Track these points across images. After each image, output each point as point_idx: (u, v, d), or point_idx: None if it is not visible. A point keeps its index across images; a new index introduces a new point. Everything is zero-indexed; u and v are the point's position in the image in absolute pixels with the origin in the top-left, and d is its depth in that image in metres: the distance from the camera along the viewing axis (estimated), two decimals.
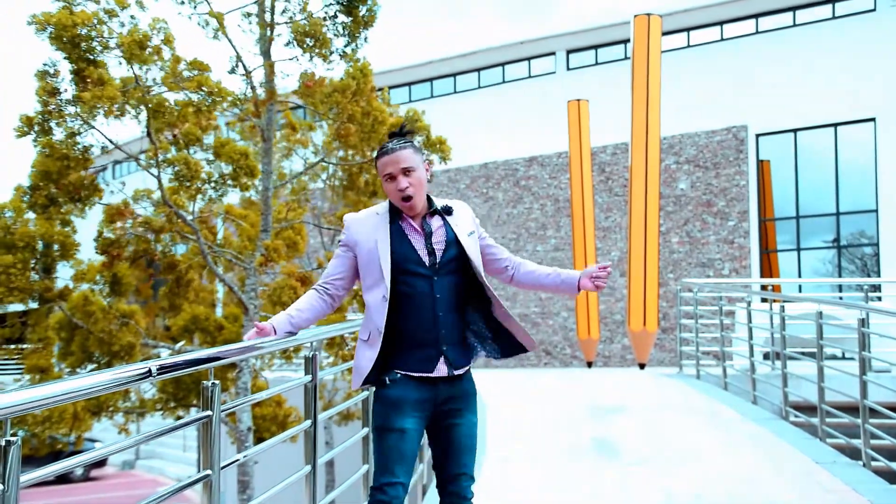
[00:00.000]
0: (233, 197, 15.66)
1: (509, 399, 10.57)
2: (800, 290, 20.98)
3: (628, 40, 21.60)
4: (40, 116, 11.04)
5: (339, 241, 3.47)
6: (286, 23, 11.82)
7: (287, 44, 11.65)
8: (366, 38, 11.92)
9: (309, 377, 3.92)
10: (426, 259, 3.36)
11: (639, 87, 14.88)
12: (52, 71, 11.01)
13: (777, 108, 22.44)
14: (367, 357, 3.33)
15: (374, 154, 3.56)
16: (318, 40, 11.40)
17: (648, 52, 14.82)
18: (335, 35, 11.78)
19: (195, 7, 11.65)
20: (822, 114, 22.01)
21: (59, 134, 11.21)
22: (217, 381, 2.94)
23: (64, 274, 12.94)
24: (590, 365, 17.60)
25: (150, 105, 11.23)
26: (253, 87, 12.01)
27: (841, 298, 16.51)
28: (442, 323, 3.36)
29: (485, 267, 3.56)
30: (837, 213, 22.14)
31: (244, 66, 11.96)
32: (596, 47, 25.92)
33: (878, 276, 21.24)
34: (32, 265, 11.80)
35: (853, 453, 7.33)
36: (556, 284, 3.59)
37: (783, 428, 8.32)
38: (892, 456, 7.04)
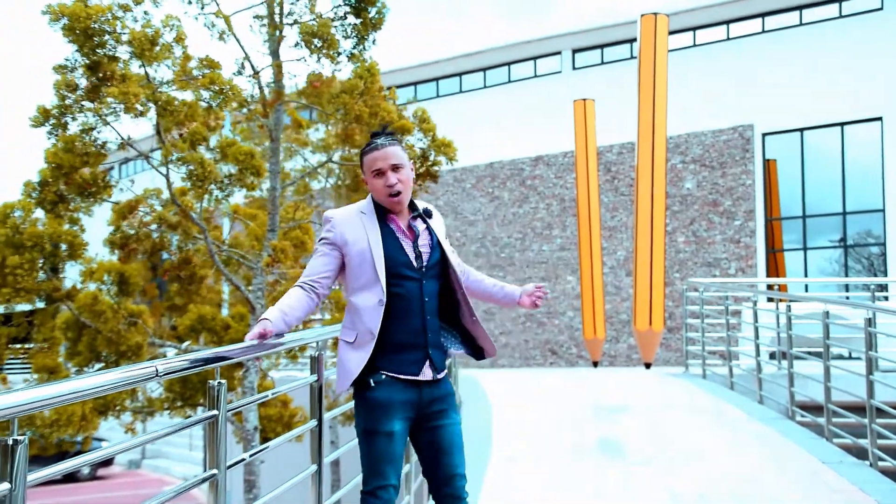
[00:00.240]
0: (241, 196, 15.69)
1: (514, 399, 10.58)
2: (806, 290, 20.93)
3: (634, 40, 21.57)
4: (57, 110, 11.08)
5: (323, 239, 3.36)
6: (292, 24, 11.84)
7: (295, 44, 11.67)
8: (374, 41, 11.93)
9: (315, 377, 3.92)
10: (414, 262, 3.35)
11: (645, 87, 14.86)
12: (71, 66, 11.05)
13: (783, 107, 22.40)
14: (354, 360, 3.27)
15: (361, 151, 3.48)
16: (326, 41, 11.41)
17: (655, 52, 14.81)
18: (344, 36, 11.79)
19: (202, 7, 11.67)
20: (829, 113, 21.96)
21: (73, 128, 11.27)
22: (223, 381, 2.95)
23: (72, 273, 12.97)
24: (595, 364, 17.59)
25: (159, 102, 11.25)
26: (261, 87, 12.03)
27: (847, 298, 16.47)
28: (429, 326, 3.37)
29: None
30: (844, 212, 22.09)
31: (252, 67, 11.99)
32: (602, 47, 25.90)
33: (885, 275, 21.19)
34: (40, 265, 11.83)
35: (860, 453, 7.32)
36: (501, 297, 3.77)
37: (789, 427, 8.31)
38: None
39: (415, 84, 28.99)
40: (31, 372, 12.49)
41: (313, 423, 3.58)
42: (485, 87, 28.07)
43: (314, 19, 11.70)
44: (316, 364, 3.94)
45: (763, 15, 23.33)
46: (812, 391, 9.28)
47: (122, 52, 11.17)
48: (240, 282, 12.76)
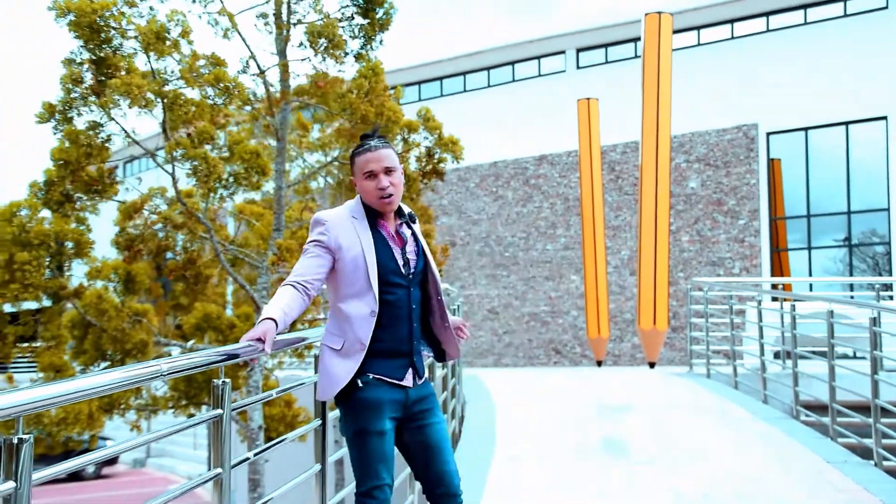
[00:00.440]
0: (246, 196, 15.69)
1: (518, 398, 10.58)
2: (811, 289, 20.91)
3: (638, 39, 21.57)
4: (62, 104, 11.11)
5: (316, 241, 3.29)
6: (298, 23, 11.84)
7: (300, 44, 11.67)
8: (381, 41, 11.93)
9: (318, 376, 3.92)
10: (402, 269, 3.35)
11: (649, 86, 14.85)
12: (78, 59, 11.08)
13: (787, 106, 22.37)
14: (342, 368, 3.25)
15: (352, 152, 3.44)
16: (332, 41, 11.41)
17: (659, 51, 14.80)
18: (351, 37, 11.79)
19: (206, 6, 11.68)
20: (833, 112, 21.93)
21: (80, 124, 11.29)
22: (228, 380, 2.95)
23: (78, 272, 13.00)
24: (599, 364, 17.58)
25: (165, 99, 11.27)
26: (267, 87, 12.04)
27: (852, 297, 16.45)
28: (415, 334, 3.37)
29: None
30: (849, 211, 22.06)
31: (258, 66, 11.99)
32: (606, 46, 25.88)
33: (890, 274, 21.16)
34: (47, 263, 11.85)
35: (864, 453, 7.31)
36: None
37: (794, 427, 8.30)
38: None
39: (418, 83, 28.99)
40: (37, 370, 12.52)
41: (317, 422, 3.59)
42: (488, 86, 28.07)
43: (321, 19, 11.70)
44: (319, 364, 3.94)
45: (767, 14, 23.30)
46: (817, 391, 9.27)
47: (128, 47, 11.19)
48: (243, 281, 12.78)
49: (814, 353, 10.39)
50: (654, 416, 9.04)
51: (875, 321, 6.99)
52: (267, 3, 11.98)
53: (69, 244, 12.15)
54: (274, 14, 11.93)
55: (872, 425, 6.88)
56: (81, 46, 10.97)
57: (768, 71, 22.73)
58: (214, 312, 13.15)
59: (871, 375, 6.94)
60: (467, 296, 26.22)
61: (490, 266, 26.49)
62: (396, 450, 3.41)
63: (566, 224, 25.28)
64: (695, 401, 9.90)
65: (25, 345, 13.32)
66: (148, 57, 11.21)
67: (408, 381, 3.35)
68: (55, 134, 11.33)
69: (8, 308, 12.38)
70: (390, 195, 3.33)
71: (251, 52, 11.91)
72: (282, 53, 12.02)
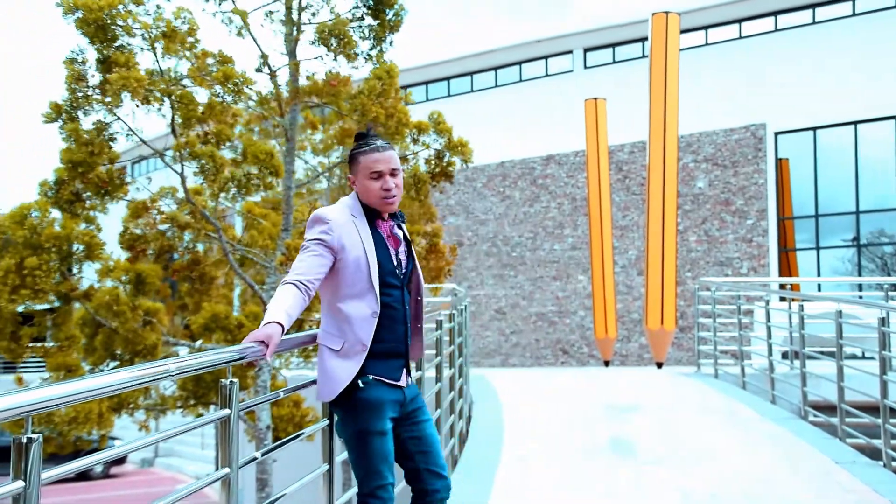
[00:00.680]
0: (256, 197, 15.73)
1: (526, 398, 10.57)
2: (819, 289, 20.84)
3: (646, 38, 21.53)
4: (68, 104, 11.14)
5: (318, 240, 3.24)
6: (309, 22, 11.85)
7: (312, 42, 11.67)
8: (391, 42, 11.94)
9: None
10: (397, 270, 3.37)
11: (656, 86, 14.83)
12: (80, 58, 11.11)
13: (796, 106, 22.31)
14: (343, 369, 3.24)
15: (354, 150, 3.42)
16: (343, 40, 11.42)
17: (666, 50, 14.77)
18: (361, 38, 11.80)
19: (220, 4, 11.69)
20: (842, 112, 21.86)
21: (86, 123, 11.33)
22: (235, 380, 2.95)
23: (88, 272, 13.04)
24: (607, 364, 17.56)
25: (173, 97, 11.29)
26: (277, 86, 12.06)
27: (861, 297, 16.39)
28: (410, 334, 3.40)
29: None
30: (857, 211, 21.99)
31: (268, 66, 12.01)
32: (613, 46, 25.85)
33: None
34: (57, 266, 11.90)
35: (873, 453, 7.29)
36: None
37: (802, 427, 8.28)
38: None
39: (425, 83, 29.00)
40: (46, 370, 12.57)
41: (324, 422, 3.59)
42: (496, 86, 28.06)
43: (331, 19, 11.70)
44: None
45: (775, 13, 23.24)
46: (825, 391, 9.24)
47: (135, 45, 11.21)
48: (252, 281, 12.81)
49: (822, 353, 10.37)
50: (662, 416, 9.03)
51: (884, 321, 6.96)
52: (275, 1, 12.00)
53: (80, 247, 12.20)
54: (284, 14, 11.94)
55: (881, 426, 6.86)
56: (88, 44, 10.99)
57: (776, 70, 22.67)
58: (223, 312, 13.18)
59: (880, 376, 6.92)
60: (475, 296, 26.21)
61: (497, 266, 26.48)
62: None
63: (573, 224, 25.25)
64: (702, 401, 9.88)
65: (39, 345, 13.38)
66: (154, 55, 11.24)
67: (403, 381, 3.38)
68: (61, 134, 11.37)
69: (19, 309, 12.45)
70: (394, 196, 3.34)
71: (262, 52, 11.92)
72: (291, 53, 12.03)
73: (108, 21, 10.78)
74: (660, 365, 14.68)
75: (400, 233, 3.45)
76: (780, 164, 22.84)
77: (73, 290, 12.15)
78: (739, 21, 23.81)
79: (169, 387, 13.52)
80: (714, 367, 11.94)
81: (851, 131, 21.99)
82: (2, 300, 11.73)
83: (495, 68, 28.07)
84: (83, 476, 23.52)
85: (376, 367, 3.29)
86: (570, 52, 26.43)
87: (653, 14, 14.99)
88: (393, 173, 3.34)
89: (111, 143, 11.46)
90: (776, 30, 23.30)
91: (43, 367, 13.61)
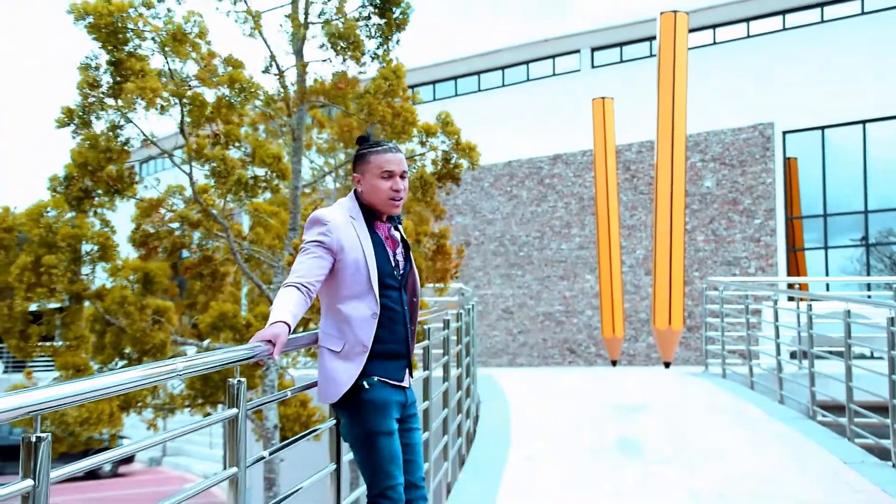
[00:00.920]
0: (264, 197, 15.76)
1: (533, 397, 10.57)
2: (827, 289, 20.78)
3: (653, 38, 21.48)
4: (80, 108, 11.19)
5: (317, 241, 3.25)
6: (316, 22, 11.86)
7: (321, 46, 11.69)
8: (398, 41, 11.94)
9: None
10: (395, 271, 3.38)
11: (664, 85, 14.80)
12: (94, 63, 11.15)
13: (804, 105, 22.24)
14: (344, 371, 3.25)
15: (364, 149, 3.41)
16: (352, 43, 11.43)
17: (675, 50, 14.74)
18: (367, 37, 11.80)
19: (234, 3, 11.70)
20: (850, 111, 21.78)
21: (98, 126, 11.38)
22: (243, 379, 2.96)
23: (98, 270, 13.09)
24: (614, 363, 17.55)
25: (183, 99, 11.32)
26: (285, 87, 12.07)
27: (869, 297, 16.34)
28: (410, 335, 3.40)
29: None
30: (866, 210, 21.91)
31: (277, 66, 12.03)
32: (621, 45, 25.81)
33: None
34: (73, 266, 11.96)
35: (882, 453, 7.26)
36: None
37: (810, 427, 8.26)
38: None
39: (433, 83, 29.00)
40: (55, 369, 12.62)
41: (331, 421, 3.59)
42: (503, 85, 28.04)
43: (338, 18, 11.70)
44: None
45: (784, 12, 23.18)
46: (833, 391, 9.22)
47: (145, 48, 11.25)
48: (259, 280, 12.83)
49: (830, 353, 10.34)
50: (670, 415, 9.01)
51: (893, 321, 6.94)
52: (289, 3, 12.00)
53: (94, 247, 12.26)
54: (290, 14, 11.95)
55: (890, 426, 6.83)
56: (100, 48, 11.03)
57: (784, 69, 22.61)
58: (230, 311, 13.21)
59: (889, 375, 6.89)
60: (482, 295, 26.21)
61: (505, 266, 26.47)
62: None
63: (581, 223, 25.23)
64: (710, 401, 9.86)
65: (48, 344, 13.43)
66: (165, 58, 11.27)
67: (406, 381, 3.40)
68: (74, 138, 11.42)
69: (32, 307, 12.52)
70: (401, 199, 3.37)
71: (271, 53, 11.93)
72: (298, 53, 12.04)
73: (119, 25, 10.81)
74: (667, 365, 14.66)
75: (397, 234, 3.46)
76: (789, 164, 22.77)
77: (84, 289, 12.20)
78: (747, 20, 23.75)
79: (177, 386, 13.55)
80: (722, 366, 11.91)
81: (860, 130, 21.92)
82: (18, 298, 11.79)
83: (502, 68, 28.05)
84: (92, 475, 23.59)
85: (380, 369, 3.30)
86: (578, 51, 26.40)
87: (661, 13, 14.97)
88: (402, 175, 3.37)
89: (125, 147, 11.51)
90: (784, 29, 23.23)
91: (52, 365, 13.66)
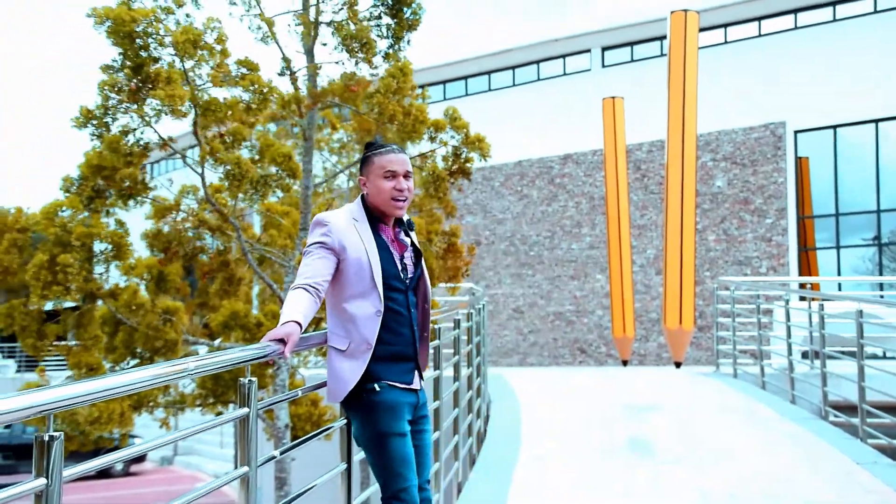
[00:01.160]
0: (274, 197, 15.80)
1: (544, 397, 10.56)
2: (839, 289, 20.69)
3: (664, 37, 21.43)
4: (100, 110, 11.23)
5: (319, 243, 3.29)
6: (328, 23, 11.87)
7: (335, 48, 11.70)
8: (409, 41, 11.95)
9: None
10: (402, 273, 3.39)
11: (675, 84, 14.77)
12: (117, 67, 11.19)
13: (815, 104, 22.15)
14: (349, 370, 3.26)
15: (368, 152, 3.46)
16: (365, 45, 11.44)
17: (685, 49, 14.70)
18: (379, 37, 11.82)
19: (248, 9, 11.73)
20: (862, 110, 21.69)
21: (114, 129, 11.42)
22: (254, 379, 2.97)
23: (111, 269, 13.15)
24: (625, 363, 17.51)
25: (200, 104, 11.36)
26: (297, 88, 12.09)
27: (882, 297, 16.26)
28: (418, 337, 3.41)
29: None
30: (878, 210, 21.81)
31: (290, 69, 12.05)
32: (631, 44, 25.76)
33: None
34: (87, 266, 12.02)
35: (895, 454, 7.23)
36: None
37: (822, 428, 8.23)
38: None
39: (443, 83, 29.01)
40: (68, 368, 12.68)
41: (342, 421, 3.60)
42: (513, 85, 28.03)
43: (348, 20, 11.71)
44: None
45: (795, 11, 23.09)
46: (846, 391, 9.18)
47: (165, 54, 11.28)
48: (270, 280, 12.86)
49: (842, 353, 10.29)
50: (681, 415, 8.99)
51: None
52: (297, 11, 12.01)
53: (108, 246, 12.32)
54: (300, 15, 11.96)
55: None
56: (120, 54, 11.07)
57: (795, 68, 22.52)
58: (242, 311, 13.25)
59: None
60: (492, 295, 26.20)
61: (515, 265, 26.46)
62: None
63: (591, 223, 25.19)
64: (721, 401, 9.84)
65: (62, 344, 13.50)
66: (183, 64, 11.29)
67: (416, 383, 3.41)
68: (92, 140, 11.47)
69: (48, 306, 12.59)
70: (405, 198, 3.38)
71: (284, 55, 11.95)
72: (309, 53, 12.06)
73: (140, 31, 10.85)
74: (678, 364, 14.63)
75: (407, 240, 3.47)
76: (800, 163, 22.68)
77: (98, 288, 12.25)
78: (758, 19, 23.66)
79: (188, 385, 13.60)
80: (733, 366, 11.88)
81: (872, 129, 21.82)
82: (34, 297, 11.86)
83: (513, 67, 28.04)
84: (104, 474, 23.71)
85: (386, 372, 3.31)
86: (588, 50, 26.36)
87: (671, 12, 14.93)
88: (406, 175, 3.38)
89: (146, 151, 11.57)
90: (795, 27, 23.14)
91: (64, 365, 13.73)
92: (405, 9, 11.66)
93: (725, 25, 23.98)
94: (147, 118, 11.15)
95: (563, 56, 26.94)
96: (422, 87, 12.99)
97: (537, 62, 27.46)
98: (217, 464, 24.19)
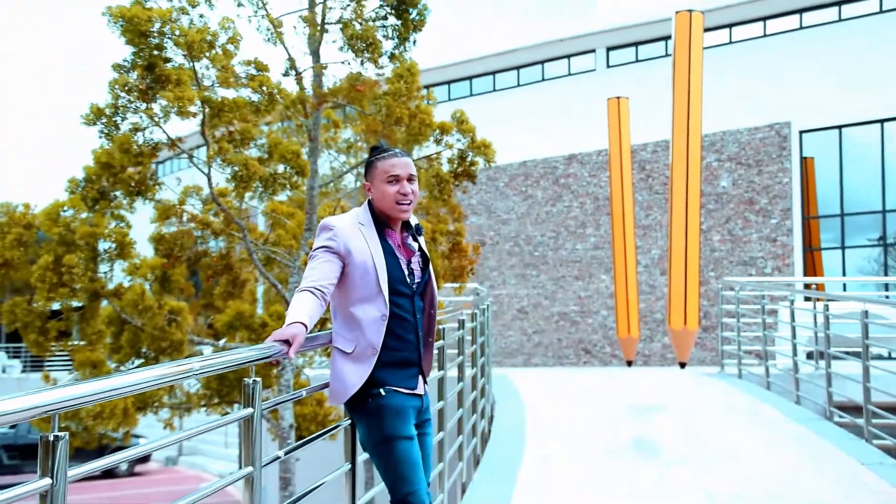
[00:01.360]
0: (281, 196, 15.81)
1: (548, 397, 10.56)
2: (844, 289, 20.65)
3: (669, 37, 21.41)
4: (110, 109, 11.24)
5: (325, 247, 3.30)
6: (336, 22, 11.88)
7: (341, 48, 11.70)
8: (414, 42, 11.95)
9: None
10: (408, 279, 3.38)
11: (680, 84, 14.75)
12: (129, 66, 11.21)
13: (820, 104, 22.11)
14: (354, 373, 3.27)
15: (371, 157, 3.46)
16: (371, 45, 11.44)
17: (690, 49, 14.69)
18: (384, 37, 11.82)
19: (256, 11, 11.73)
20: (867, 110, 21.64)
21: (123, 127, 11.43)
22: (258, 379, 2.97)
23: (115, 270, 13.17)
24: (630, 364, 17.50)
25: (209, 104, 11.36)
26: (302, 88, 12.10)
27: (887, 297, 16.23)
28: (423, 343, 3.41)
29: None
30: (884, 210, 21.76)
31: (296, 69, 12.06)
32: (636, 44, 25.74)
33: None
34: (92, 265, 12.04)
35: None
36: None
37: (827, 428, 8.21)
38: None
39: (448, 83, 29.01)
40: (72, 368, 12.71)
41: (346, 421, 3.60)
42: (518, 85, 28.02)
43: (355, 20, 11.71)
44: None
45: (800, 11, 23.05)
46: (851, 391, 9.16)
47: (178, 54, 11.28)
48: (275, 281, 12.87)
49: (847, 353, 10.27)
50: (685, 416, 8.98)
51: None
52: (306, 9, 12.01)
53: (111, 245, 12.33)
54: (306, 16, 11.97)
55: None
56: (133, 53, 11.08)
57: (801, 68, 22.49)
58: (247, 311, 13.26)
59: None
60: (497, 295, 26.20)
61: (519, 266, 26.45)
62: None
63: (596, 223, 25.17)
64: (726, 401, 9.82)
65: (66, 341, 13.52)
66: (193, 64, 11.30)
67: (420, 388, 3.42)
68: (100, 138, 11.48)
69: (55, 306, 12.63)
70: (409, 202, 3.37)
71: (290, 56, 11.96)
72: (315, 54, 12.07)
73: (154, 31, 10.86)
74: (683, 365, 14.61)
75: (415, 245, 3.47)
76: (805, 163, 22.64)
77: (102, 287, 12.28)
78: (763, 19, 23.63)
79: (193, 385, 13.62)
80: (738, 367, 11.86)
81: (877, 129, 21.77)
82: (40, 298, 11.87)
83: (517, 67, 28.03)
84: (108, 474, 23.74)
85: (392, 377, 3.32)
86: (593, 51, 26.34)
87: (676, 12, 14.91)
88: (409, 179, 3.38)
89: (155, 150, 11.58)
90: (800, 27, 23.10)
91: (69, 364, 13.76)
92: (410, 10, 11.67)
93: (730, 25, 23.95)
94: (156, 118, 11.17)
95: (568, 56, 26.93)
96: (426, 87, 13.00)
97: (542, 62, 27.45)
98: (221, 464, 24.22)
